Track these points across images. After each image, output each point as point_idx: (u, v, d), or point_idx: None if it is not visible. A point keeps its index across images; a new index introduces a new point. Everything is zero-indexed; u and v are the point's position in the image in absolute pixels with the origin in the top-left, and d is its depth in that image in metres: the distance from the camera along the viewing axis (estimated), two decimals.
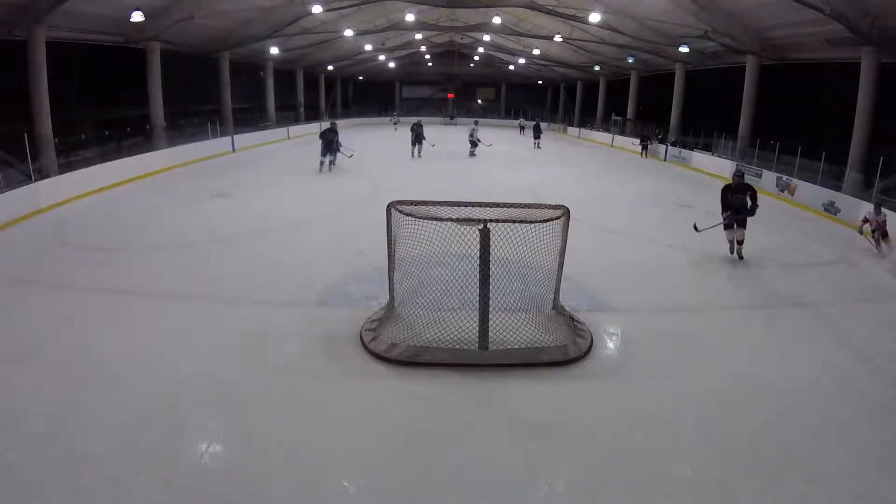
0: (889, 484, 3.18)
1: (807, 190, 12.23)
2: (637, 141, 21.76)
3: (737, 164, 7.30)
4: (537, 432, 3.62)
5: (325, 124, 16.67)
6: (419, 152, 17.74)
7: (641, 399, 4.03)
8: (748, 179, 14.69)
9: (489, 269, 4.37)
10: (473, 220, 4.43)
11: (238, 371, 4.28)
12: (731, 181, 7.73)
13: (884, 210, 8.41)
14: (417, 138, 17.73)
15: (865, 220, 8.40)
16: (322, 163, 14.54)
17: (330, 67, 30.24)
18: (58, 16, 11.47)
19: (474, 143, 19.01)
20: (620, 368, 4.54)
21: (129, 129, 15.67)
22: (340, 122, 17.07)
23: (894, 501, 3.08)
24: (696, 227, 7.96)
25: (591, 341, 4.77)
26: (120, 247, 7.59)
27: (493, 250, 4.33)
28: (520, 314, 4.81)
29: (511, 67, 33.60)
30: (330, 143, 14.66)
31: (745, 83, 16.34)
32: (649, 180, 15.33)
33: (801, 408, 3.98)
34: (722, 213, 7.45)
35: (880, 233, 8.30)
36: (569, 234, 4.84)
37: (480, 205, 4.64)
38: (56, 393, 3.86)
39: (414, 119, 20.31)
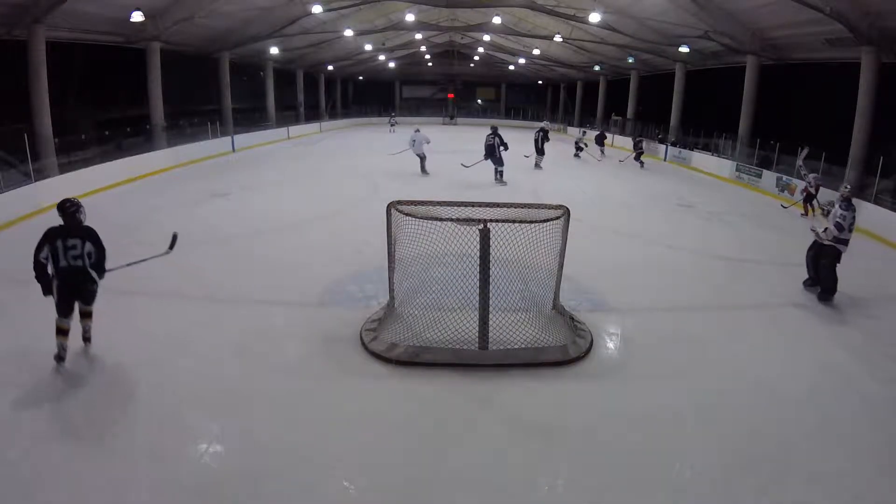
0: (889, 484, 3.18)
1: None
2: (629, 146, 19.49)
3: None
4: (537, 432, 3.62)
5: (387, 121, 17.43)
6: (541, 163, 16.17)
7: (641, 399, 4.03)
8: (747, 180, 14.78)
9: (489, 269, 4.37)
10: (473, 220, 4.43)
11: (238, 371, 4.28)
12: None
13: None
14: (542, 149, 15.97)
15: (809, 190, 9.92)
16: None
17: (330, 67, 30.23)
18: (58, 16, 11.46)
19: (580, 147, 19.02)
20: (620, 368, 4.54)
21: (129, 129, 15.66)
22: (340, 122, 16.79)
23: (894, 501, 3.08)
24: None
25: (591, 341, 4.76)
26: (120, 247, 7.56)
27: (493, 250, 4.33)
28: (520, 314, 4.81)
29: (511, 67, 33.58)
30: (493, 150, 12.71)
31: (745, 83, 16.34)
32: (649, 180, 15.33)
33: (801, 408, 3.98)
34: None
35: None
36: (569, 234, 4.84)
37: (480, 205, 4.64)
38: (55, 394, 3.86)
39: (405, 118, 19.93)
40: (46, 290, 4.18)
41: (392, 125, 29.89)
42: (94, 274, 4.29)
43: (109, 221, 8.97)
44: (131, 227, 8.59)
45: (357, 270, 6.51)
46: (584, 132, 21.30)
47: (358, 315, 5.16)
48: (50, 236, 4.20)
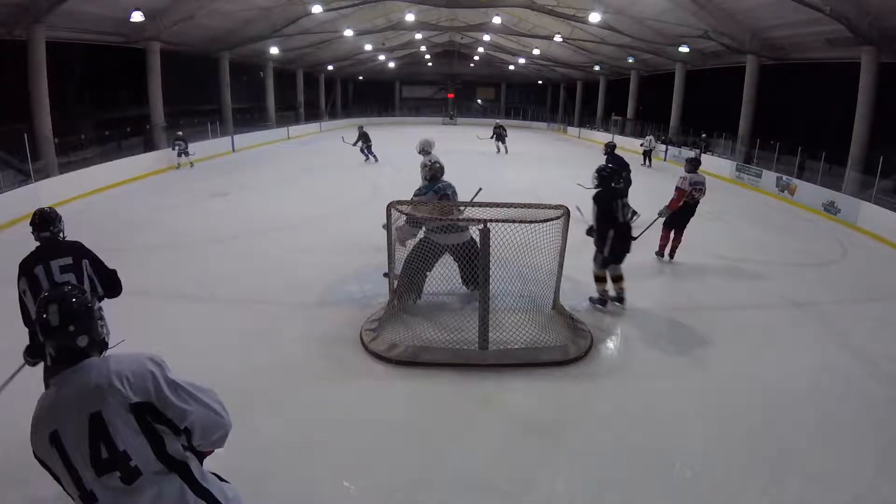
0: (889, 484, 3.18)
1: (807, 190, 12.23)
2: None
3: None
4: (537, 432, 3.62)
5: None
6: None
7: (641, 399, 4.03)
8: (747, 180, 14.47)
9: (489, 269, 4.37)
10: (473, 220, 4.43)
11: (238, 371, 4.28)
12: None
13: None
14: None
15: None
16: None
17: (330, 67, 30.24)
18: (58, 16, 11.48)
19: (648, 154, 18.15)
20: (620, 368, 4.54)
21: (128, 129, 15.69)
22: (341, 122, 16.92)
23: (894, 501, 3.08)
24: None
25: (591, 341, 4.76)
26: (120, 247, 7.56)
27: (493, 250, 4.33)
28: (520, 314, 4.81)
29: (511, 67, 33.59)
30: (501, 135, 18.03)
31: (745, 83, 16.35)
32: (649, 181, 15.30)
33: (801, 408, 3.98)
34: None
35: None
36: (569, 234, 4.84)
37: (480, 205, 4.64)
38: None
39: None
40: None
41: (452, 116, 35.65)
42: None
43: (110, 222, 9.01)
44: (133, 227, 8.59)
45: (357, 270, 6.51)
46: (651, 139, 18.78)
47: (358, 315, 5.16)
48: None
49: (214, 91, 20.62)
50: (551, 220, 4.56)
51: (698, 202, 7.10)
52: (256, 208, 10.17)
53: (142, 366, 1.62)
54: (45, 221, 3.18)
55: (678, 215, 6.98)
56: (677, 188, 6.89)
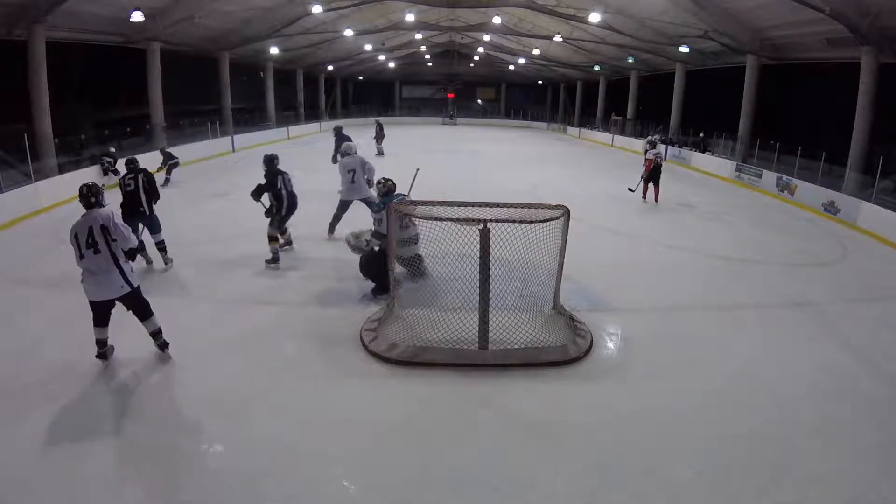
0: (889, 484, 3.19)
1: (807, 190, 12.23)
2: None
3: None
4: (537, 432, 3.62)
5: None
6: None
7: (641, 399, 4.03)
8: (747, 180, 14.55)
9: (489, 269, 4.37)
10: (473, 220, 4.42)
11: (238, 371, 4.28)
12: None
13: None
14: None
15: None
16: None
17: (330, 67, 30.25)
18: (58, 16, 11.49)
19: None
20: (620, 368, 4.54)
21: (129, 130, 15.68)
22: (340, 122, 16.70)
23: (894, 501, 3.08)
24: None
25: (591, 341, 4.76)
26: None
27: (493, 250, 4.33)
28: (520, 314, 4.80)
29: (511, 67, 33.58)
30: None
31: (745, 83, 16.34)
32: None
33: (801, 408, 3.99)
34: None
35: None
36: (569, 234, 4.84)
37: (480, 205, 4.63)
38: (56, 393, 3.86)
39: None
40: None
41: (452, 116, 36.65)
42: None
43: None
44: None
45: (357, 270, 6.50)
46: (656, 139, 14.19)
47: (358, 315, 5.16)
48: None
49: (214, 91, 20.61)
50: (551, 220, 4.56)
51: (660, 164, 11.18)
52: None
53: (111, 213, 4.20)
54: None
55: (652, 174, 11.07)
56: (646, 159, 11.17)
